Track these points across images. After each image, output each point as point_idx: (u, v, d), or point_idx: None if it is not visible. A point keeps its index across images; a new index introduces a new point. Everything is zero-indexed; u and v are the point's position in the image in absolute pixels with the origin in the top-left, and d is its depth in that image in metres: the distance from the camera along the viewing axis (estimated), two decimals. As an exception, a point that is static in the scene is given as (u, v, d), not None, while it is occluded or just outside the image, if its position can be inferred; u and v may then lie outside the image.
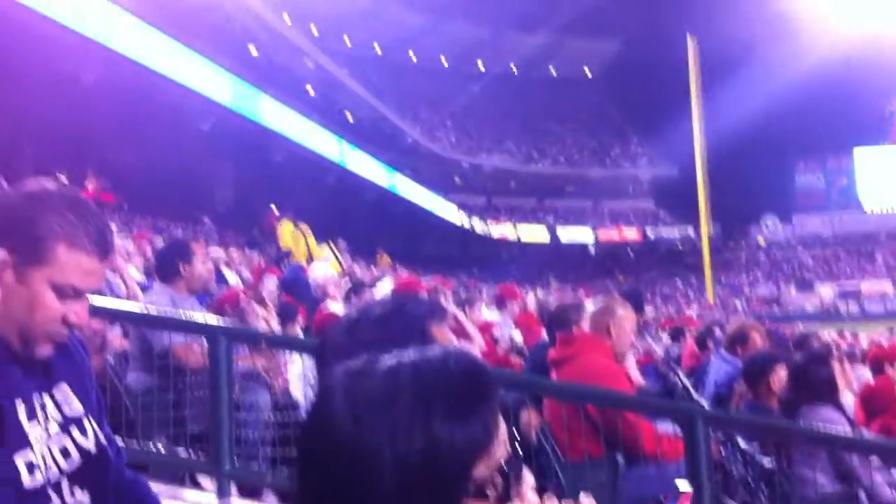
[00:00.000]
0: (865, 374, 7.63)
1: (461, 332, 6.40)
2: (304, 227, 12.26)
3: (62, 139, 21.88)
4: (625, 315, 4.20)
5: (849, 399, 5.99)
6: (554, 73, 72.55)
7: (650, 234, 67.33)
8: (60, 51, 19.41)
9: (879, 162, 75.12)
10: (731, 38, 62.58)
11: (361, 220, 32.74)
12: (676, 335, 9.81)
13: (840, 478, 3.83)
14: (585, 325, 4.42)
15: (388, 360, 1.17)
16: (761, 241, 73.26)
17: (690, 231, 63.08)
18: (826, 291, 61.44)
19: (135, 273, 8.42)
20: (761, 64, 64.22)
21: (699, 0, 61.86)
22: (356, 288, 7.10)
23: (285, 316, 5.67)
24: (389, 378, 1.14)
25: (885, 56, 70.06)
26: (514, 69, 69.18)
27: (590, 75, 74.37)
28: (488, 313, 8.21)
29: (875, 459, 3.79)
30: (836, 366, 5.64)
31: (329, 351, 1.56)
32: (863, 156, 75.22)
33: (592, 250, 66.56)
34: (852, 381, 7.09)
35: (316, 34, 44.71)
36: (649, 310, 18.26)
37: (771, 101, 62.88)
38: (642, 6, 66.10)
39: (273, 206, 12.66)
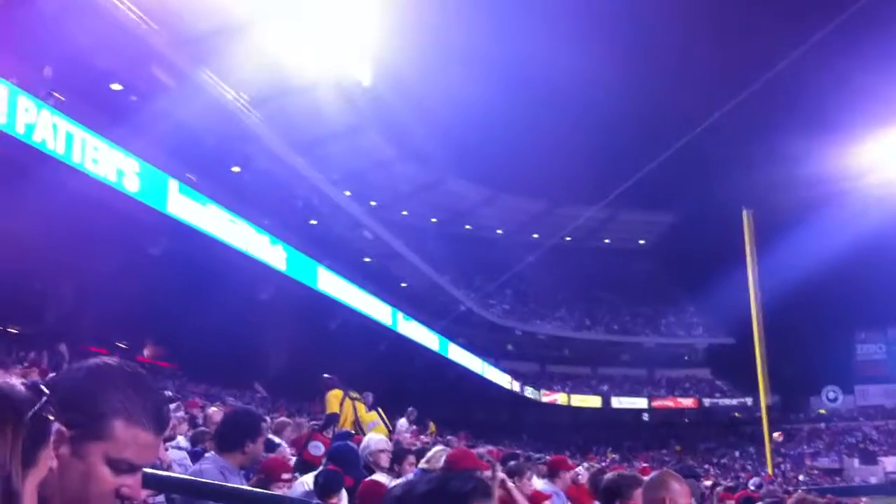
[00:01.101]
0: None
1: (510, 502, 6.35)
2: (356, 394, 12.34)
3: (124, 306, 22.51)
4: (680, 490, 4.15)
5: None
6: (608, 243, 73.32)
7: (706, 403, 65.99)
8: (131, 223, 20.25)
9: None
10: (787, 208, 63.13)
11: (413, 387, 32.70)
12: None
13: None
14: (639, 498, 4.37)
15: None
16: (822, 411, 71.44)
17: (749, 401, 61.75)
18: (891, 463, 59.16)
19: (182, 441, 8.53)
20: (818, 233, 64.25)
21: (754, 174, 62.92)
22: (398, 456, 7.09)
23: (329, 486, 5.63)
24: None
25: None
26: (568, 239, 70.09)
27: (644, 245, 75.02)
28: (539, 483, 8.10)
29: None
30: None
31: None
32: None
33: (646, 417, 65.33)
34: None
35: (374, 205, 46.12)
36: (707, 482, 17.76)
37: (829, 270, 62.63)
38: (697, 181, 67.17)
39: (326, 375, 12.77)
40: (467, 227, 64.14)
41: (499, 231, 66.66)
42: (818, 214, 66.62)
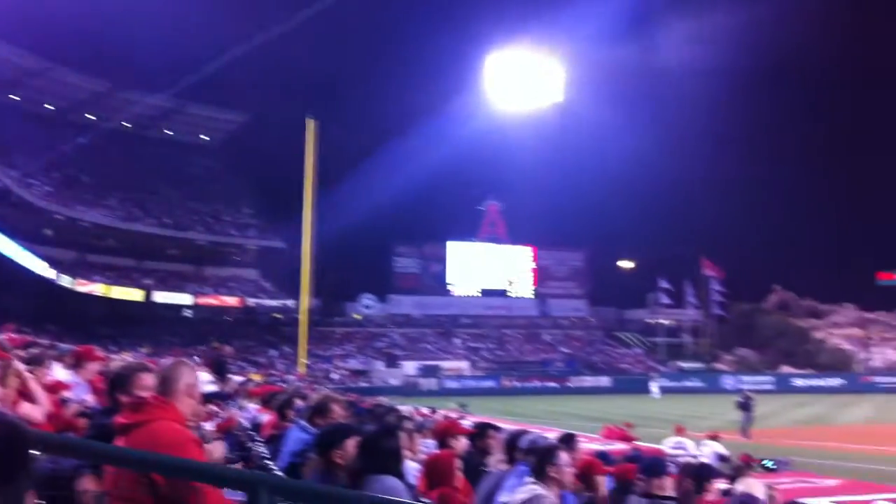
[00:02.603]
0: (434, 446, 8.06)
1: (25, 393, 5.88)
2: None
3: None
4: (194, 380, 4.04)
5: (414, 469, 6.30)
6: (170, 135, 71.11)
7: (251, 302, 67.24)
8: None
9: (467, 255, 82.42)
10: (351, 128, 65.81)
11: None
12: (266, 404, 9.77)
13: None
14: (154, 389, 4.20)
15: None
16: (357, 317, 76.44)
17: (291, 303, 64.01)
18: (410, 367, 65.14)
19: None
20: (375, 157, 68.17)
21: (322, 87, 64.45)
22: None
23: None
24: None
25: (481, 162, 78.44)
26: (128, 126, 66.74)
27: (208, 141, 73.81)
28: (62, 374, 7.62)
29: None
30: (404, 438, 5.92)
31: None
32: (454, 248, 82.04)
33: (189, 313, 65.09)
34: (419, 451, 7.49)
35: None
36: (239, 377, 18.13)
37: (380, 192, 66.87)
38: (268, 83, 67.31)
39: None
40: (13, 97, 58.28)
41: (49, 106, 61.45)
42: (377, 138, 70.62)
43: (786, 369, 70.13)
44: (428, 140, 70.09)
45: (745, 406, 28.34)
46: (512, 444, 6.17)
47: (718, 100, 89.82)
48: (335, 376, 58.91)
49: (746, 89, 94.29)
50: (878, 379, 64.35)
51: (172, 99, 62.46)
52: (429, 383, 61.38)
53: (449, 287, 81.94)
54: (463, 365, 69.25)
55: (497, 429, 7.30)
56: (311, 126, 50.75)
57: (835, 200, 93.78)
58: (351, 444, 4.73)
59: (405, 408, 16.83)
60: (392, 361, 67.30)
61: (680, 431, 18.31)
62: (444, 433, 7.26)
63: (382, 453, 4.41)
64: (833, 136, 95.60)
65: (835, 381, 63.70)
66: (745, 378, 62.33)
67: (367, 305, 77.21)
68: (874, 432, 29.25)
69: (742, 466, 9.23)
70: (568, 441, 7.16)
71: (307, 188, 48.76)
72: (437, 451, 6.76)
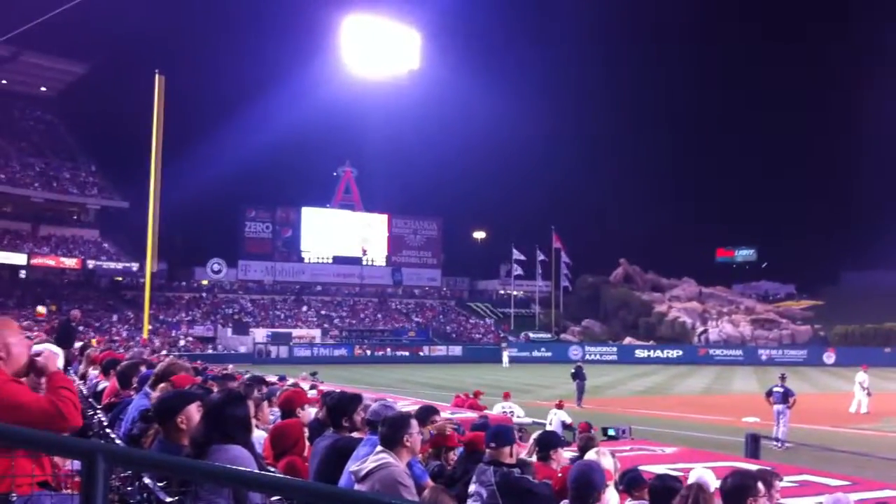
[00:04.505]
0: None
1: None
2: None
3: None
4: (19, 339, 3.78)
5: (261, 438, 6.19)
6: (3, 85, 67.31)
7: (91, 265, 64.42)
8: None
9: (321, 221, 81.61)
10: (204, 87, 63.70)
11: None
12: (107, 370, 9.37)
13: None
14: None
15: None
16: (205, 282, 74.72)
17: (135, 266, 61.86)
18: (260, 334, 64.09)
19: None
20: (228, 118, 66.44)
21: (172, 42, 62.12)
22: None
23: None
24: None
25: (337, 127, 77.86)
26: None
27: (46, 93, 70.26)
28: None
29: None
30: (252, 406, 5.78)
31: None
32: (309, 214, 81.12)
33: (24, 274, 61.90)
34: (267, 420, 7.35)
35: None
36: (79, 342, 17.43)
37: (232, 154, 65.33)
38: (112, 34, 64.42)
39: None
40: None
41: None
42: (232, 98, 68.83)
43: (629, 340, 72.74)
44: (283, 103, 68.95)
45: (578, 376, 29.66)
46: (339, 410, 6.03)
47: (570, 71, 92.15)
48: (181, 343, 57.42)
49: (599, 61, 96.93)
50: (714, 351, 67.64)
51: (6, 46, 58.98)
52: (279, 351, 60.63)
53: (303, 254, 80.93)
54: (315, 333, 68.74)
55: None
56: (159, 82, 48.98)
57: (680, 180, 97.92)
58: (193, 412, 4.57)
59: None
60: (241, 328, 66.10)
61: (506, 397, 20.20)
62: (290, 402, 7.15)
63: (228, 421, 4.26)
64: (681, 119, 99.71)
65: (674, 353, 66.60)
66: (591, 349, 64.40)
67: (216, 270, 75.47)
68: (709, 402, 30.81)
69: (592, 437, 9.53)
70: (427, 413, 7.16)
71: (154, 147, 47.04)
72: (284, 421, 6.64)
